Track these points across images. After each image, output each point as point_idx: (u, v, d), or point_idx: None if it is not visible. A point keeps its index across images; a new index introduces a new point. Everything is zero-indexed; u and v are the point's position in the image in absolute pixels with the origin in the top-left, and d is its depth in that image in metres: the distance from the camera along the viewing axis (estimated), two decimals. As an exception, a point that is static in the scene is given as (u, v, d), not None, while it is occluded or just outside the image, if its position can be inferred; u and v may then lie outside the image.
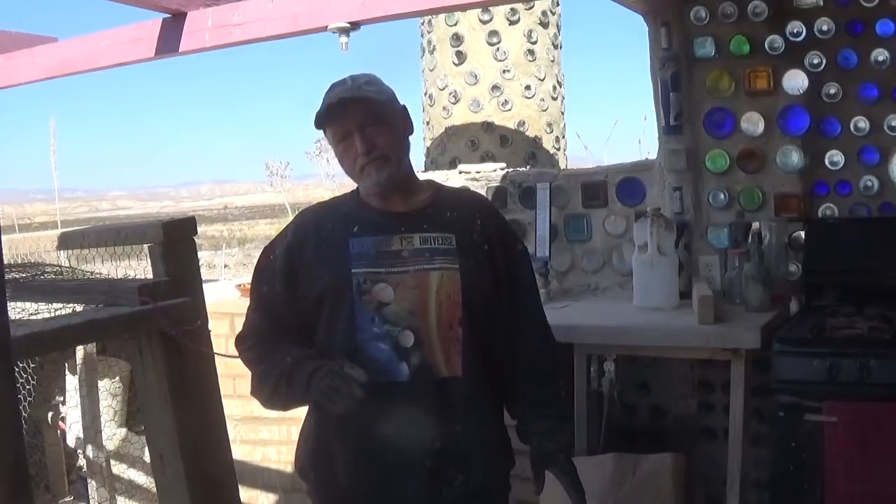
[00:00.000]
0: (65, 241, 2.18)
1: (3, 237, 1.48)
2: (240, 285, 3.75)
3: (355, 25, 3.08)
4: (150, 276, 1.85)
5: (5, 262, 1.19)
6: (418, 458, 1.75)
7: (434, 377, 1.75)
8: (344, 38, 3.08)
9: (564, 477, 1.81)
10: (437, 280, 1.76)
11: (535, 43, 5.09)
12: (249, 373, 1.85)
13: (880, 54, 2.89)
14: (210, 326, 1.93)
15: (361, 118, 1.78)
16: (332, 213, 1.88)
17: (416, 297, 1.75)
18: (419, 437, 1.74)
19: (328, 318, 1.79)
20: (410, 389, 1.74)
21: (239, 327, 3.52)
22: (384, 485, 1.77)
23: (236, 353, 1.88)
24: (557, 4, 5.30)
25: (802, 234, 3.02)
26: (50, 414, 3.57)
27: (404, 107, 1.88)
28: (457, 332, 1.77)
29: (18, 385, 3.34)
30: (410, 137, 1.90)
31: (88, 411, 3.14)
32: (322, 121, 1.81)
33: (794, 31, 2.97)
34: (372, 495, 1.78)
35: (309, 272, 1.79)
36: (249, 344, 1.85)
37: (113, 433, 3.31)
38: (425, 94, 5.29)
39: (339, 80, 1.84)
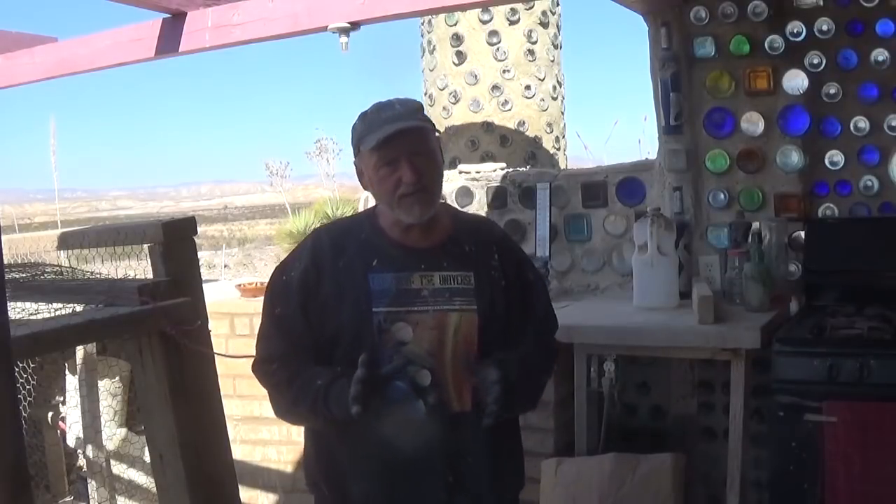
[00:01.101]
0: (65, 241, 2.18)
1: (3, 237, 1.48)
2: (240, 285, 3.75)
3: (355, 25, 3.08)
4: (150, 276, 1.84)
5: (5, 262, 1.19)
6: (432, 492, 1.76)
7: (448, 413, 1.75)
8: (344, 38, 3.08)
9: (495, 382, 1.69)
10: (456, 321, 1.75)
11: (535, 43, 5.09)
12: (274, 393, 1.81)
13: (880, 54, 2.89)
14: (210, 326, 1.93)
15: (413, 147, 1.75)
16: (349, 239, 1.82)
17: (434, 337, 1.74)
18: (434, 471, 1.75)
19: (346, 354, 1.75)
20: (425, 427, 1.73)
21: (239, 327, 3.56)
22: None
23: (236, 354, 1.86)
24: (557, 4, 5.31)
25: (802, 234, 3.02)
26: (50, 414, 3.57)
27: (439, 136, 1.87)
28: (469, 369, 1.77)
29: (18, 385, 3.34)
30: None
31: (88, 411, 3.14)
32: (375, 145, 1.74)
33: (794, 31, 2.97)
34: None
35: (326, 305, 1.76)
36: (274, 368, 1.80)
37: (113, 433, 3.31)
38: (425, 94, 5.29)
39: (385, 103, 1.79)
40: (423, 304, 1.75)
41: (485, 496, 1.81)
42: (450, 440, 1.75)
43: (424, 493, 1.76)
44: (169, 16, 3.41)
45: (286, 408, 1.80)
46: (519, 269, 1.89)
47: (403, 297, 1.74)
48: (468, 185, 3.65)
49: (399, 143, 1.73)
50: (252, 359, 1.85)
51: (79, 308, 1.76)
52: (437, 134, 1.84)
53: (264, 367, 1.81)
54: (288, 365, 1.78)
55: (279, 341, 1.80)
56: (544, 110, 5.19)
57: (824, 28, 2.94)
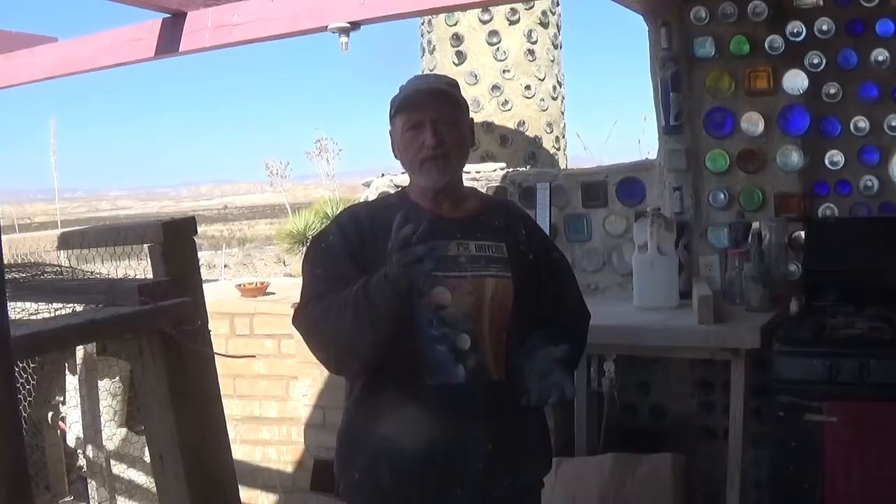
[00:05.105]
0: (65, 241, 2.18)
1: (3, 237, 1.48)
2: (240, 285, 3.75)
3: (355, 25, 3.08)
4: (150, 276, 1.84)
5: (5, 262, 1.19)
6: (471, 460, 1.78)
7: (487, 380, 1.79)
8: (344, 38, 3.08)
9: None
10: (493, 287, 1.81)
11: (535, 43, 5.09)
12: (313, 330, 1.80)
13: (880, 54, 2.89)
14: (210, 326, 1.92)
15: (439, 112, 1.83)
16: (387, 212, 1.84)
17: (472, 301, 1.79)
18: (473, 438, 1.78)
19: None
20: (465, 392, 1.77)
21: (239, 327, 3.56)
22: (434, 486, 1.79)
23: (236, 354, 1.87)
24: (557, 4, 5.31)
25: (802, 234, 3.02)
26: (50, 414, 3.56)
27: (472, 120, 1.95)
28: (502, 337, 1.81)
29: (18, 385, 3.34)
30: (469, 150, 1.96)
31: (88, 411, 3.14)
32: (402, 105, 1.84)
33: (794, 31, 2.97)
34: (421, 497, 1.80)
35: (366, 267, 1.78)
36: (310, 308, 1.80)
37: (113, 433, 3.31)
38: (425, 94, 5.28)
39: (422, 75, 1.88)
40: (460, 269, 1.80)
41: (520, 467, 1.84)
42: (489, 407, 1.78)
43: (463, 461, 1.78)
44: (169, 16, 3.41)
45: (331, 333, 1.76)
46: (544, 246, 2.00)
47: (441, 262, 1.78)
48: (468, 185, 3.64)
49: (425, 107, 1.82)
50: (247, 359, 1.85)
51: (79, 308, 1.76)
52: (468, 114, 1.92)
53: (302, 314, 1.81)
54: (323, 300, 1.78)
55: (321, 291, 1.80)
56: (544, 110, 5.20)
57: (824, 28, 2.94)
